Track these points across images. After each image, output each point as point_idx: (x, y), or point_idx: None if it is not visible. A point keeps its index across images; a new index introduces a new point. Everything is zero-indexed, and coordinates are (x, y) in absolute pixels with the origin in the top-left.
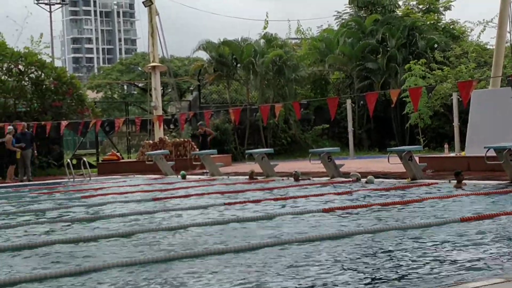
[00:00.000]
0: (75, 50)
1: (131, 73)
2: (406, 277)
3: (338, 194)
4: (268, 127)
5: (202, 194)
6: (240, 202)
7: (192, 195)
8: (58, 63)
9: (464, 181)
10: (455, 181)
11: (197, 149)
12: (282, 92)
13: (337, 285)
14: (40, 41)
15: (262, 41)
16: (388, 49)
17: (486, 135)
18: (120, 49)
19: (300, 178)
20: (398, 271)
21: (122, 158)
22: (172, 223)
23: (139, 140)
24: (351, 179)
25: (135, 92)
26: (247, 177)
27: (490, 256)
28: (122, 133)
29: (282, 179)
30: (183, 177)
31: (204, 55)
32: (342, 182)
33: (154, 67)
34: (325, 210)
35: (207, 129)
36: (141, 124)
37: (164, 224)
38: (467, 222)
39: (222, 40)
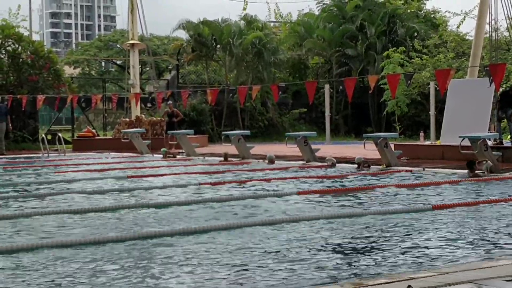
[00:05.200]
0: (54, 24)
1: (110, 50)
2: (379, 264)
3: (313, 177)
4: (245, 110)
5: (176, 174)
6: (213, 183)
7: (166, 174)
8: (36, 37)
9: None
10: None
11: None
12: (260, 75)
13: (314, 268)
14: (18, 13)
15: (242, 22)
16: (368, 36)
17: (461, 124)
18: (99, 26)
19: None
20: (371, 256)
21: (98, 135)
22: (145, 202)
23: (116, 117)
24: (326, 164)
25: (113, 69)
26: (221, 158)
27: (465, 243)
28: (98, 110)
29: (258, 162)
30: (164, 154)
31: (183, 35)
32: (317, 166)
33: (132, 45)
34: (300, 193)
35: (176, 109)
36: (118, 102)
37: (136, 202)
38: (439, 209)
39: (202, 20)
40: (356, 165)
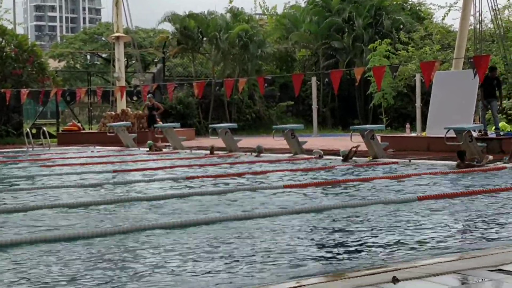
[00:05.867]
0: (38, 17)
1: (95, 43)
2: (357, 254)
3: (300, 170)
4: (232, 102)
5: (162, 167)
6: (200, 176)
7: (151, 168)
8: (20, 31)
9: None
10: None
11: (160, 122)
12: (247, 68)
13: (298, 259)
14: (1, 6)
15: (228, 15)
16: (354, 28)
17: (446, 116)
18: (84, 18)
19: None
20: (352, 247)
21: (83, 129)
22: (131, 195)
23: (101, 111)
24: (313, 156)
25: (98, 63)
26: (208, 151)
27: (450, 233)
28: (83, 104)
29: (245, 154)
30: (150, 147)
31: (169, 27)
32: (305, 158)
33: (118, 38)
34: (286, 186)
35: (156, 102)
36: (103, 95)
37: (122, 196)
38: (424, 200)
39: (187, 12)
40: (341, 158)
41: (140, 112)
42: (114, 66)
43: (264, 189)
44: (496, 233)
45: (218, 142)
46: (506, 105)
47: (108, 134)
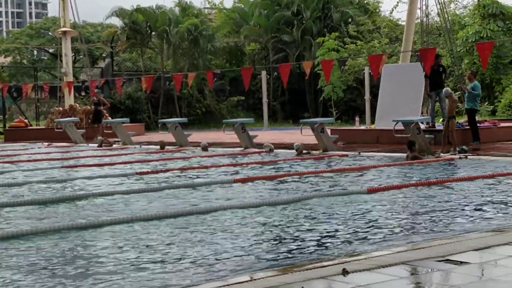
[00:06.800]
0: None
1: (41, 38)
2: (304, 249)
3: (250, 164)
4: (182, 97)
5: (111, 163)
6: (151, 172)
7: (100, 164)
8: None
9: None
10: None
11: (109, 118)
12: (196, 62)
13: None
14: None
15: (177, 9)
16: (303, 21)
17: (395, 108)
18: (30, 13)
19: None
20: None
21: (30, 125)
22: (78, 192)
23: (49, 107)
24: (264, 150)
25: (45, 58)
26: (158, 147)
27: (398, 225)
28: (30, 100)
29: (196, 149)
30: (100, 143)
31: (117, 22)
32: (255, 152)
33: (64, 32)
34: (237, 181)
35: (102, 98)
36: (50, 91)
37: (69, 193)
38: (374, 192)
39: (135, 7)
40: (295, 151)
41: (89, 107)
42: (61, 61)
43: (214, 183)
44: (444, 223)
45: (168, 137)
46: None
47: (56, 130)
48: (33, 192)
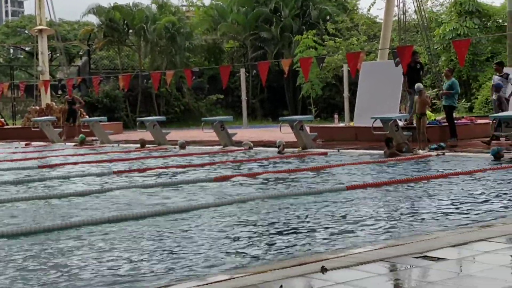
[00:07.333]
0: None
1: (17, 36)
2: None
3: (229, 162)
4: (161, 95)
5: (89, 162)
6: (129, 171)
7: (78, 162)
8: None
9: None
10: (387, 149)
11: (87, 116)
12: (174, 60)
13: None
14: None
15: (153, 6)
16: (282, 19)
17: (373, 106)
18: (6, 11)
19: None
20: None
21: (7, 124)
22: (55, 192)
23: (25, 106)
24: (243, 148)
25: (22, 56)
26: (139, 145)
27: (376, 222)
28: (7, 99)
29: (174, 148)
30: (82, 141)
31: (94, 20)
32: (234, 150)
33: (41, 30)
34: (216, 179)
35: (76, 96)
36: (27, 90)
37: (45, 193)
38: (353, 190)
39: (112, 4)
40: (277, 149)
41: (65, 106)
42: (37, 59)
43: (193, 182)
44: (422, 220)
45: (146, 135)
46: (430, 94)
47: (32, 129)
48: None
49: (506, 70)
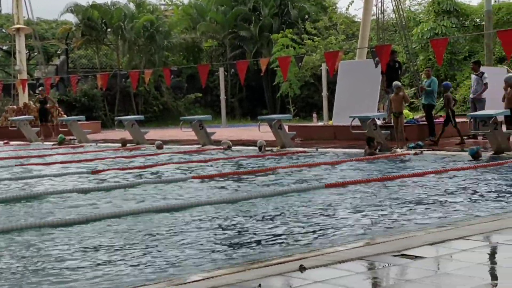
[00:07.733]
0: None
1: None
2: (264, 244)
3: (208, 161)
4: (139, 94)
5: (67, 161)
6: (107, 170)
7: (56, 162)
8: None
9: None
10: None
11: (64, 115)
12: (153, 59)
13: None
14: None
15: (131, 4)
16: (261, 18)
17: (352, 105)
18: None
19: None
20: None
21: None
22: (32, 192)
23: (3, 105)
24: (222, 147)
25: None
26: (120, 144)
27: (354, 220)
28: None
29: (153, 146)
30: (61, 141)
31: (72, 18)
32: (213, 149)
33: (18, 29)
34: (195, 177)
35: (48, 96)
36: (4, 89)
37: (22, 192)
38: (332, 188)
39: (90, 3)
40: (257, 148)
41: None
42: (15, 58)
43: (171, 182)
44: (400, 218)
45: (124, 134)
46: (408, 93)
47: (10, 128)
48: None
49: (482, 69)
